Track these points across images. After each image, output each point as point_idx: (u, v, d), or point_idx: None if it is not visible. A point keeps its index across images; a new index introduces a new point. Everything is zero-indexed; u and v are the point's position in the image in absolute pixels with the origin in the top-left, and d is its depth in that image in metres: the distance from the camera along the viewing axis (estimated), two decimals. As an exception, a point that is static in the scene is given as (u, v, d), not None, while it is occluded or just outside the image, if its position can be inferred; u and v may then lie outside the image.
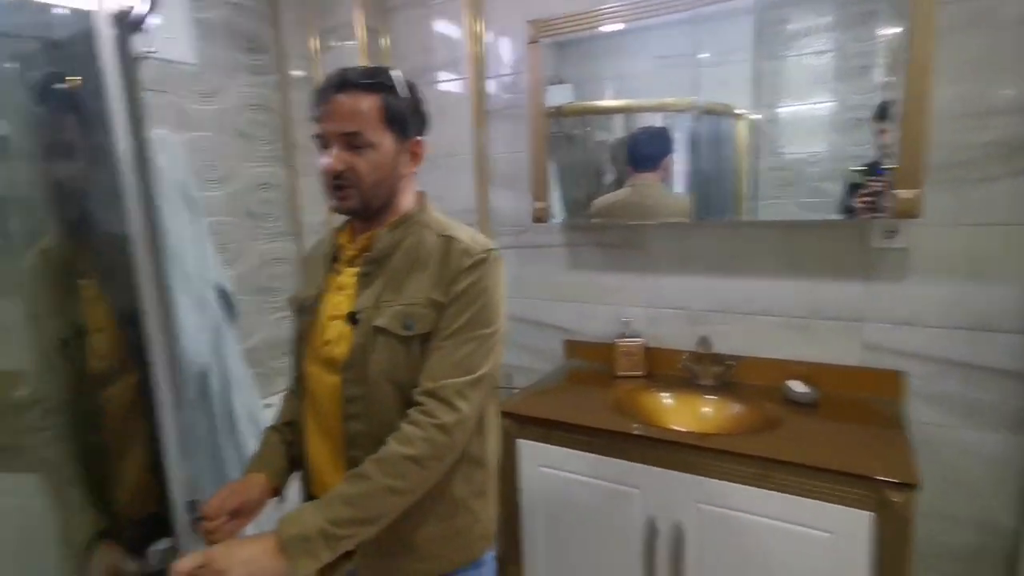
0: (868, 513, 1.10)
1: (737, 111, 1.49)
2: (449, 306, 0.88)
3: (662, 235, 1.68)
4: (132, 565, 0.81)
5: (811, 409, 1.42)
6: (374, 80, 0.88)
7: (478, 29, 1.83)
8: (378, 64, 1.89)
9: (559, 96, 1.67)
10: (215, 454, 1.22)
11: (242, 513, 0.91)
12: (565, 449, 1.43)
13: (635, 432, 1.33)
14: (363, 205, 0.90)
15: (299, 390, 1.00)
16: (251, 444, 1.30)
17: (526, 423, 1.48)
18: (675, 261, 1.68)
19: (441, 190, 2.03)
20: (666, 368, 1.70)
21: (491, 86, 1.85)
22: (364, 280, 0.92)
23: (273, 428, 1.06)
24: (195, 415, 1.18)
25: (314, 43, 2.03)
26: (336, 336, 0.92)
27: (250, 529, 0.93)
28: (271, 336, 1.98)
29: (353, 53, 1.95)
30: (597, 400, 1.53)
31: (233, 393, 1.23)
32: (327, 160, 0.87)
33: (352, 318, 0.90)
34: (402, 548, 0.92)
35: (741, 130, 1.50)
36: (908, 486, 1.06)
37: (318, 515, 0.77)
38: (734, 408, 1.51)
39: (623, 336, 1.73)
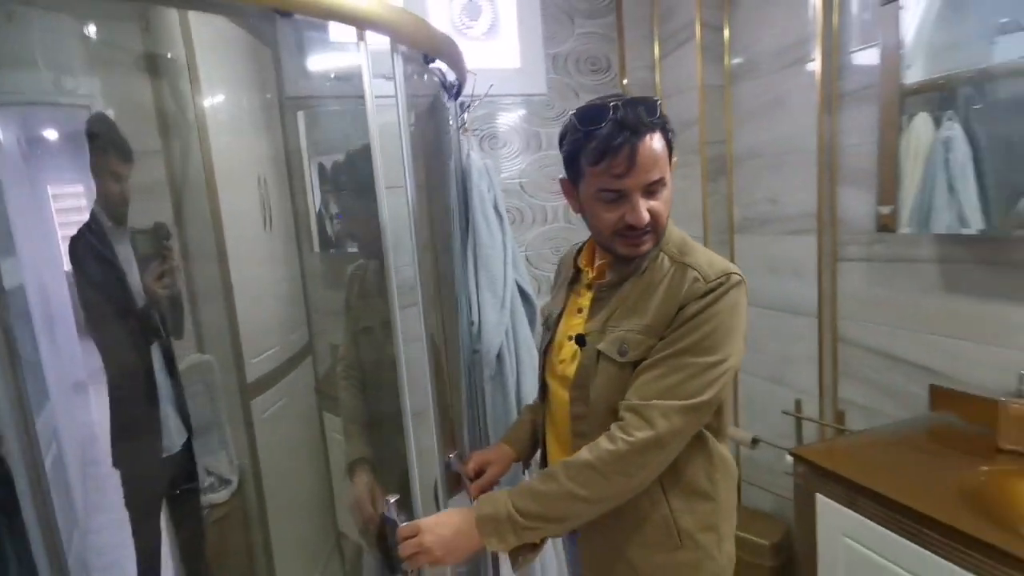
0: None
1: None
2: (675, 329, 0.85)
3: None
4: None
5: None
6: (658, 116, 0.83)
7: (831, -2, 1.53)
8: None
9: (1012, 49, 1.10)
10: (508, 422, 1.44)
11: (484, 475, 1.07)
12: (879, 527, 1.11)
13: (972, 534, 0.93)
14: (655, 244, 0.90)
15: (541, 393, 1.08)
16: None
17: (831, 480, 1.21)
18: None
19: (776, 192, 1.80)
20: (1097, 457, 1.10)
21: (852, 63, 1.52)
22: (597, 304, 0.94)
23: (529, 407, 1.18)
24: (494, 390, 1.42)
25: (656, 50, 2.07)
26: (569, 355, 0.95)
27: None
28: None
29: (692, 53, 1.90)
30: (951, 475, 1.12)
31: (522, 374, 1.43)
32: (636, 215, 0.83)
33: (581, 340, 0.93)
34: (627, 570, 0.93)
35: None
36: None
37: (508, 501, 0.84)
38: None
39: (1020, 395, 1.20)
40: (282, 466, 1.14)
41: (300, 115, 0.98)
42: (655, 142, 0.82)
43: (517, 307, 1.44)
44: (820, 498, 1.23)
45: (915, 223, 1.31)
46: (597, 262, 0.96)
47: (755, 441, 1.77)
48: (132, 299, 1.14)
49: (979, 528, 0.95)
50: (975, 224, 1.21)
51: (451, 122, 1.30)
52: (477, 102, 1.50)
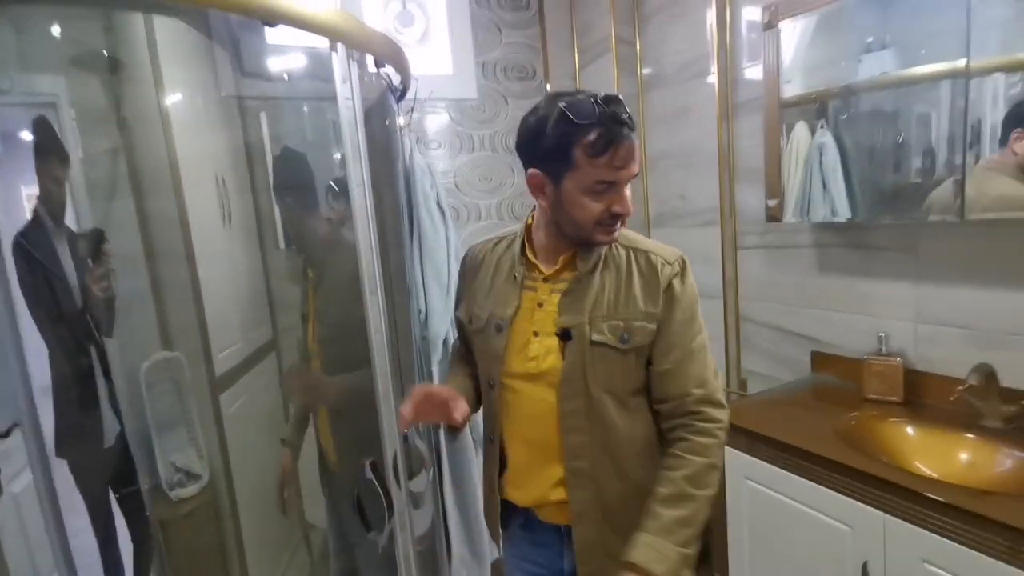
0: None
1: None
2: (674, 316, 0.93)
3: (944, 234, 1.36)
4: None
5: None
6: (632, 117, 0.87)
7: (727, 18, 1.77)
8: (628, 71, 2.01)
9: (874, 66, 1.33)
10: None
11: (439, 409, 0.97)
12: (773, 467, 1.33)
13: (845, 462, 1.16)
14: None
15: (492, 398, 1.01)
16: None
17: (738, 433, 1.42)
18: (959, 267, 1.34)
19: (685, 189, 2.02)
20: (933, 398, 1.38)
21: (744, 78, 1.77)
22: (569, 297, 0.94)
23: (465, 373, 1.11)
24: (441, 374, 1.53)
25: (576, 60, 2.25)
26: (543, 351, 0.94)
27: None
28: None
29: (609, 64, 2.10)
30: (828, 421, 1.36)
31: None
32: (625, 204, 0.87)
33: (566, 333, 0.92)
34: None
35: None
36: None
37: (672, 546, 0.85)
38: (1013, 460, 1.15)
39: (878, 353, 1.47)
40: (250, 460, 1.20)
41: (262, 115, 1.05)
42: (636, 140, 0.87)
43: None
44: (730, 451, 1.44)
45: (798, 214, 1.55)
46: (560, 256, 0.96)
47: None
48: (71, 298, 1.17)
49: (848, 458, 1.18)
50: (843, 214, 1.46)
51: (397, 123, 1.39)
52: (419, 105, 1.60)
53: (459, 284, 1.12)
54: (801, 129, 1.52)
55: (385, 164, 1.33)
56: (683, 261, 0.96)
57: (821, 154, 1.48)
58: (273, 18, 0.81)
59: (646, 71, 2.10)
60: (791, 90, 1.52)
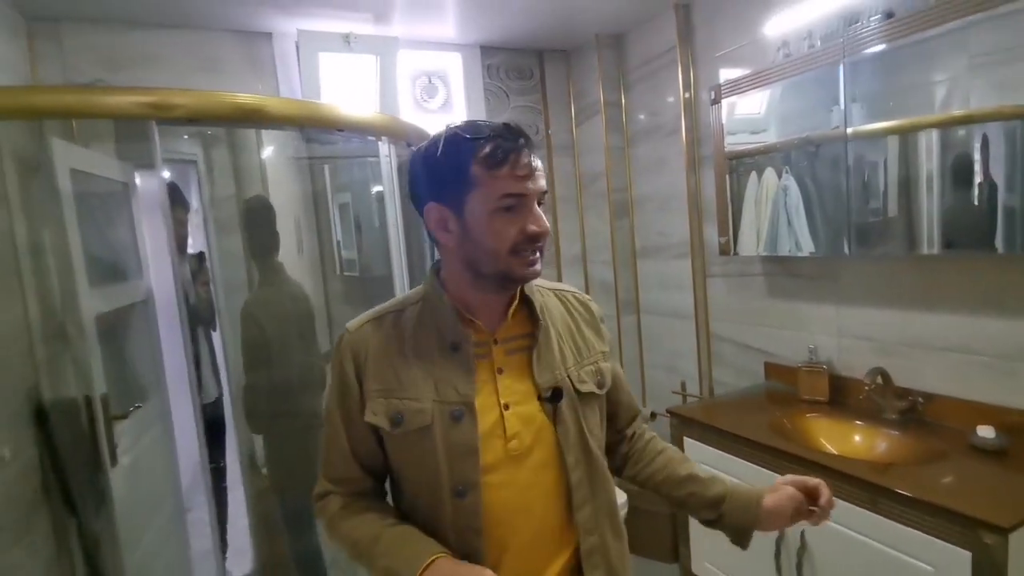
0: (966, 552, 1.07)
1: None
2: (609, 348, 0.93)
3: (857, 266, 1.71)
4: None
5: (994, 456, 1.31)
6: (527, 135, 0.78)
7: (688, 95, 2.17)
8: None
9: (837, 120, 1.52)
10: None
11: None
12: (723, 452, 1.66)
13: (769, 444, 1.50)
14: (540, 266, 0.80)
15: (463, 510, 0.78)
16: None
17: (693, 425, 1.76)
18: (868, 291, 1.68)
19: (663, 227, 2.40)
20: (851, 397, 1.71)
21: (705, 136, 2.15)
22: (537, 353, 0.82)
23: (398, 523, 0.82)
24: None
25: (572, 119, 2.68)
26: (521, 426, 0.79)
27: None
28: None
29: (600, 123, 2.51)
30: (768, 417, 1.69)
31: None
32: (539, 222, 0.75)
33: (557, 394, 0.80)
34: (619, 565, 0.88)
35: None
36: (1001, 529, 1.02)
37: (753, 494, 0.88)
38: (896, 441, 1.48)
39: (809, 362, 1.81)
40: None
41: (326, 168, 1.46)
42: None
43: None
44: (687, 439, 1.78)
45: (770, 247, 1.80)
46: (506, 309, 0.83)
47: (653, 415, 2.33)
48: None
49: (773, 441, 1.52)
50: (807, 248, 1.74)
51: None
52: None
53: (337, 385, 0.84)
54: (770, 174, 1.83)
55: (410, 207, 1.75)
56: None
57: (786, 195, 1.80)
58: (341, 127, 1.22)
59: (631, 129, 2.51)
60: (734, 145, 1.90)
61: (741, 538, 0.88)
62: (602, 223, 2.61)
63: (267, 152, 1.52)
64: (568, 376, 0.83)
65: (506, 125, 0.76)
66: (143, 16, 1.91)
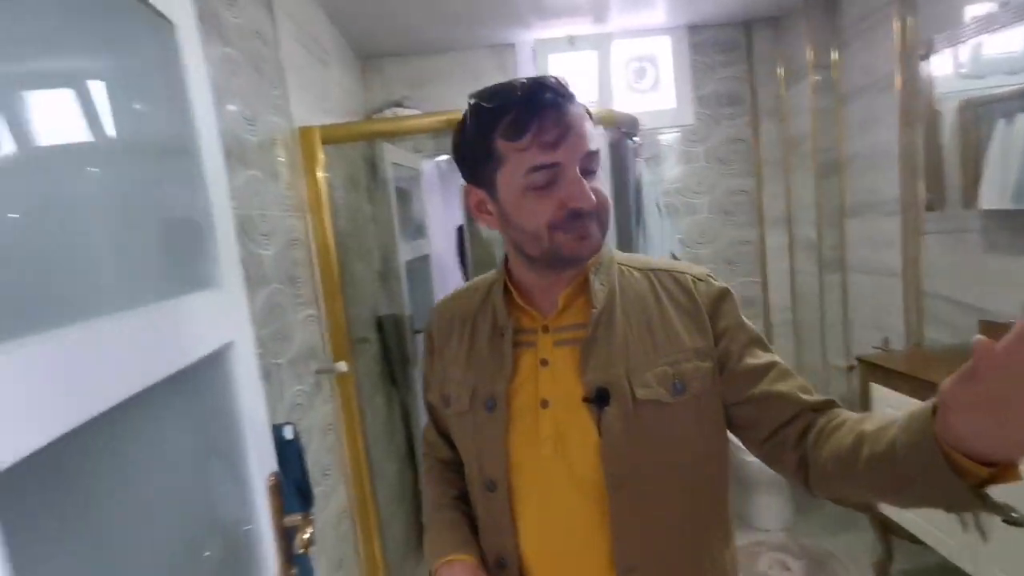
0: None
1: None
2: (737, 339, 0.72)
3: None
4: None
5: None
6: (571, 89, 0.67)
7: (905, 47, 2.15)
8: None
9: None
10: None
11: None
12: (905, 396, 1.78)
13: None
14: (602, 238, 0.70)
15: (494, 508, 0.74)
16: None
17: (877, 371, 1.89)
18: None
19: (873, 185, 2.42)
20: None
21: (923, 89, 2.13)
22: (591, 346, 0.70)
23: (453, 505, 0.82)
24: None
25: (779, 84, 2.77)
26: (558, 428, 0.71)
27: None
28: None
29: (807, 85, 2.58)
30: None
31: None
32: (580, 192, 0.64)
33: (603, 396, 0.68)
34: None
35: None
36: None
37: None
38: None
39: (1024, 318, 1.77)
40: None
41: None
42: (580, 109, 0.67)
43: (671, 266, 2.32)
44: (872, 385, 1.91)
45: (1008, 199, 1.74)
46: (559, 293, 0.73)
47: (850, 367, 2.42)
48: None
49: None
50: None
51: (630, 150, 2.21)
52: (650, 133, 2.40)
53: (424, 358, 0.86)
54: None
55: (621, 177, 2.14)
56: (714, 276, 0.76)
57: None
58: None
59: (842, 87, 2.53)
60: (971, 91, 1.88)
61: (953, 496, 0.52)
62: (804, 184, 2.69)
63: None
64: (628, 377, 0.69)
65: (535, 81, 0.65)
66: (432, 46, 2.63)
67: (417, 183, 2.63)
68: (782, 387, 0.70)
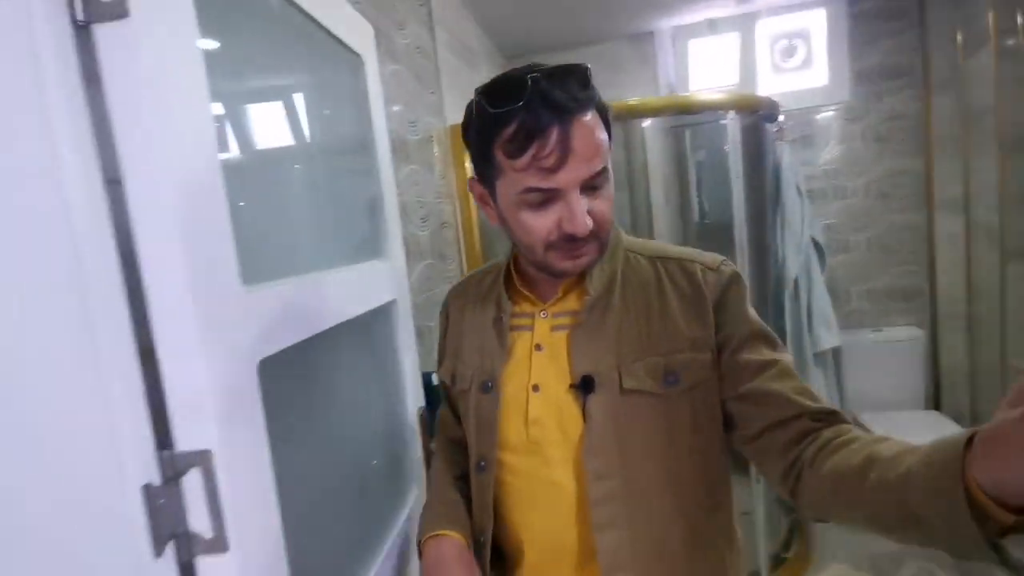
0: None
1: None
2: (739, 332, 0.69)
3: None
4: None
5: None
6: (591, 89, 0.63)
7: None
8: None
9: None
10: (799, 329, 2.24)
11: None
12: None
13: None
14: (599, 255, 0.69)
15: (482, 484, 0.75)
16: (823, 337, 2.23)
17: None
18: None
19: None
20: None
21: None
22: (582, 332, 0.70)
23: (452, 484, 0.83)
24: (789, 303, 2.24)
25: (958, 53, 2.48)
26: (547, 412, 0.71)
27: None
28: (888, 283, 2.69)
29: (990, 52, 2.29)
30: None
31: (813, 302, 2.20)
32: (575, 222, 0.62)
33: (588, 383, 0.68)
34: None
35: None
36: None
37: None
38: None
39: None
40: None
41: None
42: (592, 121, 0.62)
43: (811, 252, 2.23)
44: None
45: None
46: (560, 283, 0.73)
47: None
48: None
49: None
50: None
51: (769, 133, 2.17)
52: (787, 121, 2.32)
53: (440, 335, 0.88)
54: None
55: (757, 163, 2.11)
56: (727, 262, 0.73)
57: None
58: (697, 110, 1.73)
59: (1037, 52, 2.21)
60: None
61: (958, 537, 0.45)
62: (989, 162, 2.39)
63: (646, 123, 2.11)
64: (618, 367, 0.68)
65: (543, 89, 0.59)
66: (572, 41, 2.78)
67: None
68: (777, 386, 0.65)
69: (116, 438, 0.47)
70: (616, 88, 2.68)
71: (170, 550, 0.50)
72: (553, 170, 0.60)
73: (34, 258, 0.42)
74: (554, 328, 0.73)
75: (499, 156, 0.63)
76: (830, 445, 0.59)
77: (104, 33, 0.45)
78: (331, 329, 0.75)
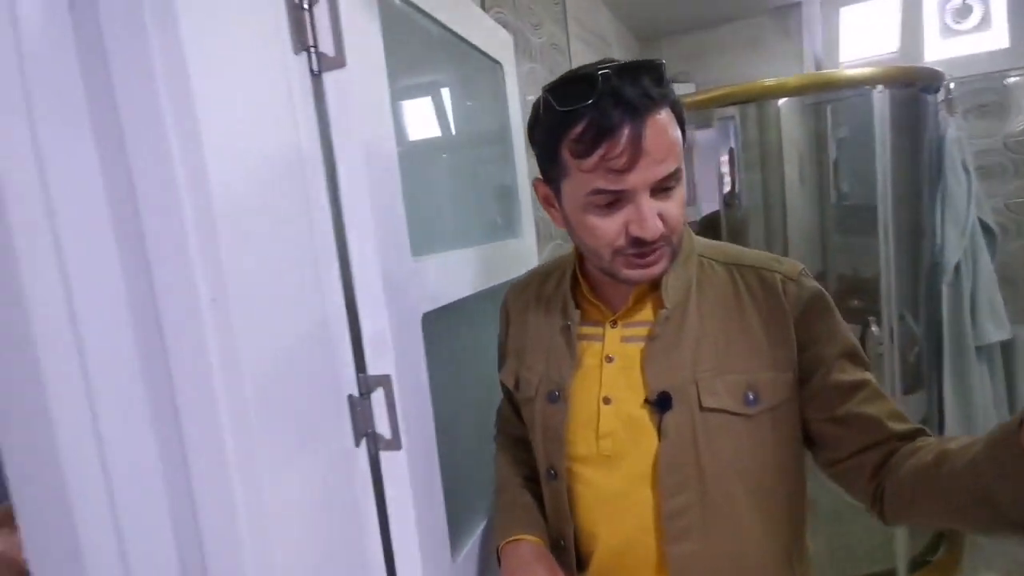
0: None
1: None
2: (826, 352, 0.67)
3: None
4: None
5: None
6: (665, 86, 0.61)
7: None
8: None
9: None
10: (959, 315, 2.05)
11: None
12: None
13: None
14: (670, 262, 0.66)
15: (556, 492, 0.75)
16: (989, 330, 2.02)
17: None
18: None
19: None
20: None
21: None
22: (657, 346, 0.68)
23: (523, 485, 0.83)
24: (949, 292, 2.06)
25: None
26: (620, 427, 0.69)
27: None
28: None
29: None
30: None
31: (978, 290, 2.01)
32: (645, 225, 0.60)
33: (664, 401, 0.66)
34: None
35: None
36: None
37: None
38: None
39: None
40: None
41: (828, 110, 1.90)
42: (666, 120, 0.60)
43: (977, 235, 2.02)
44: None
45: None
46: (631, 292, 0.71)
47: None
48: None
49: None
50: None
51: (929, 106, 1.99)
52: (957, 90, 2.11)
53: (500, 334, 0.87)
54: None
55: (914, 139, 1.95)
56: (806, 271, 0.70)
57: None
58: (841, 86, 1.67)
59: None
60: None
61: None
62: None
63: (782, 101, 2.05)
64: (696, 383, 0.66)
65: (615, 87, 0.57)
66: (709, 18, 2.73)
67: (689, 150, 2.78)
68: (871, 410, 0.64)
69: (336, 363, 0.68)
70: (756, 66, 2.59)
71: (364, 445, 0.70)
72: (623, 171, 0.58)
73: (291, 239, 0.63)
74: (625, 339, 0.71)
75: (566, 156, 0.61)
76: (905, 453, 0.61)
77: (330, 78, 0.64)
78: (474, 295, 0.93)
